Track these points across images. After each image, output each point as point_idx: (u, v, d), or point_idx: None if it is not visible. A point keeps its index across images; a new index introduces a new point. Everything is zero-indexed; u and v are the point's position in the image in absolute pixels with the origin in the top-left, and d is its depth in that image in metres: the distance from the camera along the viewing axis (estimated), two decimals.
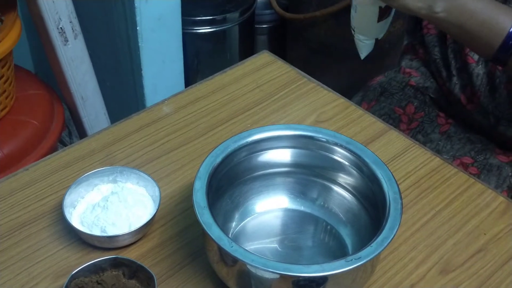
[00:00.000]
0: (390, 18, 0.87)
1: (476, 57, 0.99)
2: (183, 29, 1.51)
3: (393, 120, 1.07)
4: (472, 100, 1.01)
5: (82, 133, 1.50)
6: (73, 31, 1.33)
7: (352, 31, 0.90)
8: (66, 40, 1.33)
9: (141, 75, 1.47)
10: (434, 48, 1.08)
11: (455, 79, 1.03)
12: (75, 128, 1.53)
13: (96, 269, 0.71)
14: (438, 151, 1.00)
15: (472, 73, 1.00)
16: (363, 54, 0.92)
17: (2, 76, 1.22)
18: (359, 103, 1.12)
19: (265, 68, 1.05)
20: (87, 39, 1.39)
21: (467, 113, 1.03)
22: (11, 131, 1.26)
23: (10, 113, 1.28)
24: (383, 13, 0.85)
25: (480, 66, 0.99)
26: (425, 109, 1.07)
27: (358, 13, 0.86)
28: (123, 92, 1.59)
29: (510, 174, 0.97)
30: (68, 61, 1.36)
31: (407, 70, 1.12)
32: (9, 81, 1.25)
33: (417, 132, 1.04)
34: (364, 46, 0.90)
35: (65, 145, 1.46)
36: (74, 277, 0.69)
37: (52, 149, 1.30)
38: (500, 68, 0.97)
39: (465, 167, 0.98)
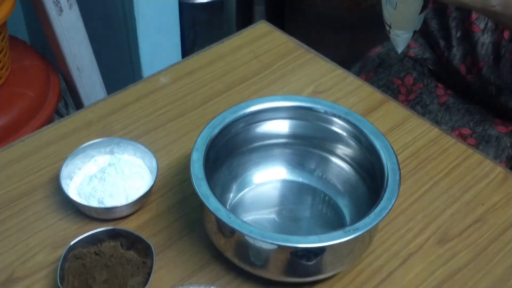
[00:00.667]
0: (427, 8, 0.85)
1: (482, 25, 0.98)
2: None
3: (391, 91, 1.06)
4: (471, 70, 1.00)
5: (79, 104, 1.49)
6: (67, 1, 1.32)
7: (387, 27, 0.86)
8: (61, 10, 1.32)
9: (137, 46, 1.46)
10: (432, 21, 1.07)
11: (454, 49, 1.02)
12: (71, 99, 1.53)
13: (94, 240, 0.71)
14: (436, 122, 0.99)
15: (477, 42, 0.98)
16: (400, 48, 0.89)
17: None
18: (357, 75, 1.11)
19: (262, 39, 1.04)
20: (82, 10, 1.37)
21: (467, 84, 1.02)
22: (6, 103, 1.25)
23: (6, 85, 1.27)
24: (426, 4, 0.82)
25: (486, 35, 0.98)
26: (424, 80, 1.06)
27: (398, 10, 0.83)
28: (120, 63, 1.58)
29: (508, 145, 0.97)
30: (63, 31, 1.35)
31: None
32: (3, 52, 1.24)
33: (416, 103, 1.03)
34: (402, 40, 0.87)
35: (61, 116, 1.46)
36: (72, 248, 0.69)
37: (49, 120, 1.29)
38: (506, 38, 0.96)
39: (463, 138, 0.98)
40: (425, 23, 1.08)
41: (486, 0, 0.76)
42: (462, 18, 1.00)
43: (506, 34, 0.95)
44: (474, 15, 0.98)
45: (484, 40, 0.97)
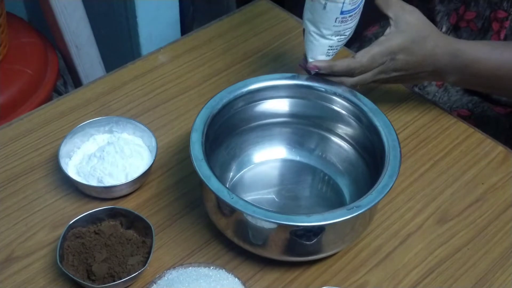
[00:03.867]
0: None
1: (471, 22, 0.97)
2: None
3: None
4: None
5: (77, 83, 1.48)
6: None
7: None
8: None
9: (136, 23, 1.45)
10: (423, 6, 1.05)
11: None
12: (70, 77, 1.52)
13: (94, 219, 0.71)
14: (435, 104, 0.98)
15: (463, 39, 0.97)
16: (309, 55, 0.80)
17: None
18: None
19: (263, 16, 1.03)
20: None
21: None
22: (4, 80, 1.24)
23: (3, 62, 1.26)
24: None
25: (474, 34, 0.96)
26: None
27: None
28: (118, 41, 1.57)
29: (507, 126, 0.96)
30: (61, 8, 1.33)
31: None
32: (1, 29, 1.22)
33: (414, 85, 1.02)
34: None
35: (60, 94, 1.45)
36: (71, 227, 0.69)
37: (47, 99, 1.28)
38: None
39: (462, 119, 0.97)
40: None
41: (443, 79, 0.83)
42: (448, 12, 0.98)
43: (502, 34, 0.93)
44: (461, 10, 0.96)
45: (471, 38, 0.96)
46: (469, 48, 0.79)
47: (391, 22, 0.77)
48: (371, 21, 1.17)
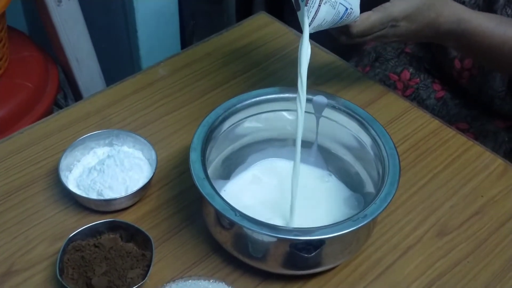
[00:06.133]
0: None
1: None
2: None
3: (388, 86, 1.05)
4: (463, 75, 0.99)
5: (78, 96, 1.49)
6: None
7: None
8: (60, 1, 1.31)
9: (136, 37, 1.46)
10: None
11: (448, 54, 1.00)
12: (70, 90, 1.52)
13: (93, 232, 0.71)
14: None
15: None
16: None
17: None
18: None
19: (262, 30, 1.04)
20: (81, 0, 1.36)
21: (461, 87, 1.01)
22: (5, 94, 1.24)
23: (4, 76, 1.26)
24: None
25: None
26: (420, 75, 1.05)
27: None
28: (119, 54, 1.58)
29: (506, 139, 0.97)
30: (62, 22, 1.34)
31: None
32: (2, 43, 1.23)
33: (412, 98, 1.03)
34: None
35: (60, 107, 1.45)
36: (71, 240, 0.69)
37: (48, 112, 1.29)
38: None
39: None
40: None
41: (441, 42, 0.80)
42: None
43: None
44: None
45: None
46: (474, 19, 0.78)
47: None
48: None
